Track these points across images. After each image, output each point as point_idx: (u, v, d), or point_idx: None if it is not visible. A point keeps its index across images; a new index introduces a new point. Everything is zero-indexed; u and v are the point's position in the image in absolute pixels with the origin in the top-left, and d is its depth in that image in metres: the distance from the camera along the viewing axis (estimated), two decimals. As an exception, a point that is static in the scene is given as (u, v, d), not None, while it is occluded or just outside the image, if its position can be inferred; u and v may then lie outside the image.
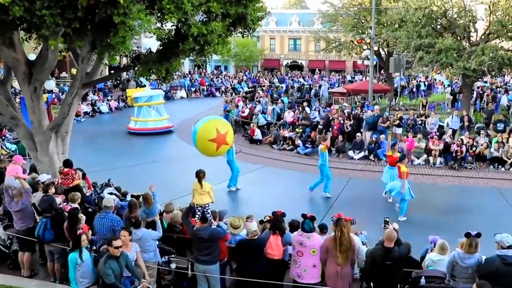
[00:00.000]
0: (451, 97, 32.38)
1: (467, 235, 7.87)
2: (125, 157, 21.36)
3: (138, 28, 12.73)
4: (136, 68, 11.53)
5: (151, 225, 9.62)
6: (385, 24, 30.30)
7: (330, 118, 23.62)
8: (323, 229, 9.33)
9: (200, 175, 9.90)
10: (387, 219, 9.16)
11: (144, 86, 34.88)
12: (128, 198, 11.60)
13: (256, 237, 8.70)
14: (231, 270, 9.71)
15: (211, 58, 12.28)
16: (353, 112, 24.42)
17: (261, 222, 10.46)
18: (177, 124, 28.96)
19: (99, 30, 9.30)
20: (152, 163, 20.72)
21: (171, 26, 10.78)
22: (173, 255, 9.63)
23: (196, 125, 13.58)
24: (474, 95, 31.22)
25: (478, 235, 7.84)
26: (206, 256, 8.65)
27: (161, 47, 11.15)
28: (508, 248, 7.48)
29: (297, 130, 23.86)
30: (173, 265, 9.35)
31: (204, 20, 10.57)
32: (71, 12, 8.46)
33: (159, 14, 9.90)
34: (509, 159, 20.00)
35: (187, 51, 10.41)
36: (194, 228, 9.05)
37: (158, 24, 10.84)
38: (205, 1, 9.98)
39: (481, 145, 20.59)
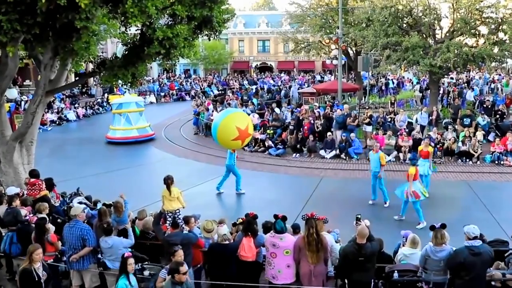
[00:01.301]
0: (420, 94, 32.86)
1: (432, 228, 8.03)
2: (95, 165, 20.99)
3: (104, 33, 12.59)
4: (101, 74, 11.33)
5: (123, 233, 9.45)
6: (353, 24, 30.56)
7: (301, 118, 23.68)
8: (295, 229, 9.33)
9: (168, 181, 9.83)
10: (359, 216, 9.20)
11: (112, 92, 34.45)
12: (99, 206, 11.40)
13: (227, 241, 8.63)
14: (206, 274, 9.63)
15: (178, 61, 12.14)
16: (321, 112, 24.53)
17: (234, 224, 10.42)
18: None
19: (61, 36, 9.09)
20: (123, 170, 20.46)
21: (136, 30, 10.65)
22: (146, 262, 9.49)
23: (215, 121, 13.67)
24: (441, 92, 31.74)
25: (443, 226, 7.99)
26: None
27: (126, 52, 11.00)
28: (474, 238, 7.63)
29: (268, 131, 23.85)
30: (146, 272, 9.21)
31: (169, 23, 10.48)
32: (30, 17, 8.24)
33: (122, 18, 9.76)
34: (476, 152, 20.39)
35: (153, 55, 10.29)
36: (166, 234, 8.95)
37: (123, 28, 10.70)
38: (169, 4, 9.89)
39: (449, 140, 20.93)
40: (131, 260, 7.65)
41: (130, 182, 18.21)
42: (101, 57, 12.00)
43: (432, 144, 17.85)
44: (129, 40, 10.84)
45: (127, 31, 10.66)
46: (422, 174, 15.48)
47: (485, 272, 7.80)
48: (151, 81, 48.16)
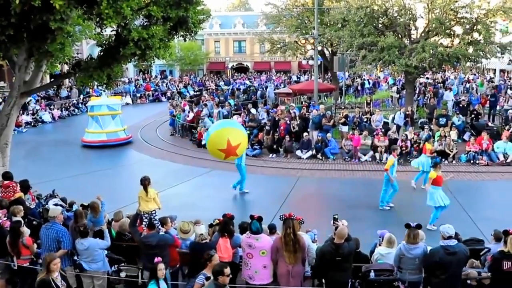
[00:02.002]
0: (398, 95, 33.22)
1: (407, 226, 8.15)
2: (70, 167, 20.73)
3: (79, 34, 12.47)
4: (76, 75, 11.21)
5: (99, 234, 9.39)
6: (328, 24, 30.68)
7: (277, 118, 23.78)
8: (271, 229, 9.39)
9: (145, 182, 9.79)
10: (336, 216, 9.28)
11: (88, 93, 33.95)
12: (75, 208, 11.29)
13: (204, 240, 8.66)
14: (182, 276, 9.63)
15: (154, 62, 12.11)
16: (297, 112, 24.66)
17: (210, 225, 10.42)
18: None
19: (36, 37, 9.00)
20: (98, 172, 20.25)
21: (111, 31, 10.57)
22: (122, 264, 9.45)
23: (210, 128, 13.62)
24: (418, 91, 32.22)
25: (418, 226, 8.14)
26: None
27: (101, 53, 10.91)
28: (449, 238, 7.77)
29: (244, 132, 23.83)
30: (123, 274, 9.16)
31: (144, 24, 10.43)
32: (4, 18, 8.14)
33: (98, 19, 9.67)
34: (452, 152, 20.74)
35: (128, 56, 10.22)
36: (142, 236, 8.92)
37: (98, 30, 10.61)
38: (145, 5, 9.85)
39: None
40: (161, 266, 7.52)
41: (106, 183, 18.07)
42: (76, 58, 11.82)
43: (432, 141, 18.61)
44: (104, 41, 10.75)
45: (102, 32, 10.56)
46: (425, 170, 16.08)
47: (460, 271, 7.91)
48: (127, 82, 47.77)
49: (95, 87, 32.13)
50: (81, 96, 40.33)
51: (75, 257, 9.06)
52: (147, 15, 10.16)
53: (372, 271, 8.26)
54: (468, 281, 8.22)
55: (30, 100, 32.92)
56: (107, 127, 25.81)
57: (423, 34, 25.48)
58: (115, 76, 11.13)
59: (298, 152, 22.06)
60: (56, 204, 11.84)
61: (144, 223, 9.64)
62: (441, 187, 13.39)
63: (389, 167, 14.87)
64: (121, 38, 10.08)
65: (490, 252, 8.78)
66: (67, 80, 40.20)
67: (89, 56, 11.34)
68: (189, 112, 27.55)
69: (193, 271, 8.83)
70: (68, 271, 8.80)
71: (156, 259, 7.60)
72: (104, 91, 22.95)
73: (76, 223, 9.40)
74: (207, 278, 7.19)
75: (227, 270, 6.95)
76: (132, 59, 11.02)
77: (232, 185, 17.07)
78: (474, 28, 23.95)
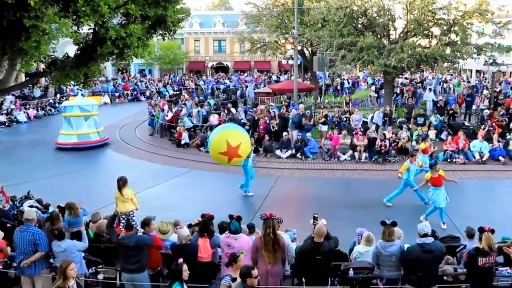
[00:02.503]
0: (376, 94, 33.46)
1: (383, 223, 8.25)
2: (46, 168, 20.43)
3: (55, 32, 12.25)
4: (52, 74, 10.97)
5: (76, 236, 9.25)
6: (308, 24, 30.75)
7: (256, 118, 23.75)
8: (250, 228, 9.39)
9: (119, 183, 9.71)
10: (316, 215, 9.30)
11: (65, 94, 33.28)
12: (51, 210, 11.11)
13: (188, 242, 8.61)
14: (162, 277, 9.54)
15: (132, 61, 11.94)
16: (277, 112, 24.67)
17: (189, 226, 10.36)
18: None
19: (9, 35, 8.77)
20: (76, 172, 20.03)
21: (88, 29, 10.38)
22: (100, 265, 9.34)
23: (210, 135, 13.58)
24: (398, 91, 32.48)
25: (394, 223, 8.22)
26: (133, 264, 8.43)
27: (78, 51, 10.70)
28: (425, 235, 7.86)
29: (224, 131, 23.72)
30: (100, 276, 9.09)
31: (122, 22, 10.27)
32: (-25, 16, 7.93)
33: (74, 17, 9.47)
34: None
35: (106, 55, 10.04)
36: (120, 237, 8.81)
37: (75, 28, 10.40)
38: (122, 3, 9.68)
39: (403, 138, 21.43)
40: (186, 267, 7.36)
41: (83, 185, 17.86)
42: (52, 56, 11.53)
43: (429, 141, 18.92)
44: (81, 40, 10.56)
45: (79, 30, 10.37)
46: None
47: (437, 268, 8.06)
48: (105, 81, 47.25)
49: (72, 86, 31.46)
50: (58, 96, 39.72)
51: (51, 260, 8.89)
52: (125, 14, 9.99)
53: (351, 269, 8.33)
54: (445, 277, 8.33)
55: (4, 99, 32.34)
56: (79, 129, 24.84)
57: (401, 35, 25.70)
58: (92, 75, 10.93)
59: (278, 152, 22.07)
60: (31, 206, 11.68)
61: (122, 224, 9.53)
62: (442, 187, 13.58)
63: (403, 171, 15.15)
64: (99, 36, 9.89)
65: (465, 249, 8.92)
66: (43, 79, 39.56)
67: (66, 55, 11.10)
68: (168, 111, 27.35)
69: (172, 272, 8.75)
70: (44, 274, 8.66)
71: (179, 260, 7.44)
72: (81, 90, 22.15)
73: (53, 225, 9.25)
74: (233, 280, 7.13)
75: (255, 272, 6.94)
76: (110, 58, 10.84)
77: (239, 185, 17.01)
78: (451, 29, 24.26)
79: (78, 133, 24.72)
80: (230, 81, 49.18)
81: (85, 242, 9.07)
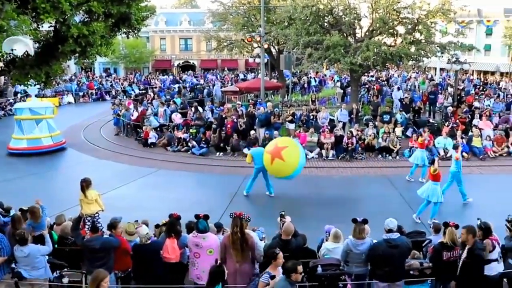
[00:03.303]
0: (341, 91, 33.74)
1: (354, 220, 8.32)
2: (7, 170, 19.80)
3: (14, 29, 11.91)
4: (11, 73, 10.66)
5: (39, 240, 9.00)
6: (275, 22, 30.72)
7: (224, 116, 23.65)
8: (218, 227, 9.34)
9: (83, 184, 9.53)
10: (283, 213, 9.30)
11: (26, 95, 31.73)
12: (13, 213, 10.78)
13: (149, 241, 8.47)
14: (132, 279, 9.39)
15: (95, 60, 11.72)
16: (244, 110, 24.62)
17: (157, 226, 10.26)
18: (64, 131, 27.49)
19: (-36, 32, 8.50)
20: (38, 174, 19.54)
21: (49, 27, 10.13)
22: (65, 269, 9.10)
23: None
24: (366, 89, 32.85)
25: (364, 221, 8.31)
26: (99, 267, 8.22)
27: (39, 50, 10.43)
28: (390, 231, 7.98)
29: (191, 130, 23.61)
30: (65, 280, 8.84)
31: (85, 20, 10.07)
32: None
33: (34, 14, 9.21)
34: (395, 147, 21.27)
35: (68, 53, 9.85)
36: (85, 239, 8.63)
37: (35, 25, 10.13)
38: (85, 0, 9.49)
39: (370, 136, 21.66)
40: (224, 267, 7.21)
41: (47, 187, 17.48)
42: (11, 54, 11.16)
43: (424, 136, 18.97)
44: (42, 38, 10.29)
45: (39, 27, 10.09)
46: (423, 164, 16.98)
47: (403, 263, 8.16)
48: (69, 80, 46.24)
49: (33, 86, 30.07)
50: (19, 96, 38.69)
51: (13, 265, 8.63)
52: (87, 11, 9.82)
53: (319, 266, 8.36)
54: (411, 272, 8.43)
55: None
56: (29, 133, 23.08)
57: (367, 33, 25.96)
58: (54, 74, 10.70)
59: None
60: (-9, 209, 11.30)
61: (87, 226, 9.34)
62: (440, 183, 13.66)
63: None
64: (60, 34, 9.68)
65: (431, 244, 9.06)
66: (1, 78, 38.47)
67: (26, 53, 10.80)
68: (133, 111, 26.98)
69: (136, 274, 8.64)
70: (5, 280, 8.41)
71: (218, 261, 7.32)
72: (39, 88, 20.68)
73: (15, 228, 8.98)
74: (272, 277, 7.05)
75: (300, 268, 6.87)
76: (72, 57, 10.62)
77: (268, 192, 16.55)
78: (416, 28, 24.63)
79: (28, 137, 23.00)
80: (197, 80, 48.84)
81: (49, 246, 8.83)
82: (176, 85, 42.87)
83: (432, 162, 14.11)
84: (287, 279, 6.82)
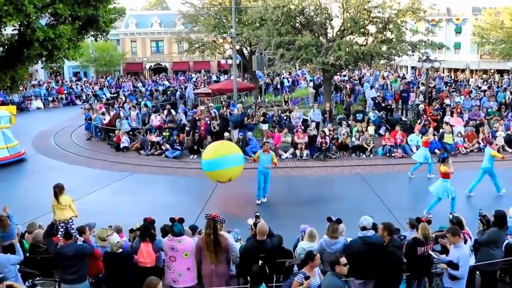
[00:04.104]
0: (314, 91, 33.87)
1: (329, 219, 8.43)
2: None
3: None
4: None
5: (10, 249, 8.78)
6: (246, 23, 30.70)
7: (197, 119, 23.50)
8: (193, 230, 9.28)
9: (56, 190, 9.34)
10: (257, 214, 9.26)
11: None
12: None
13: (121, 250, 8.35)
14: (103, 285, 9.23)
15: (63, 63, 11.47)
16: (216, 112, 24.51)
17: (131, 231, 10.14)
18: (34, 137, 27.07)
19: None
20: (7, 182, 19.06)
21: (13, 30, 9.84)
22: (37, 278, 8.91)
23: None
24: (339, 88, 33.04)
25: (339, 221, 8.42)
26: (72, 274, 8.17)
27: (3, 54, 10.13)
28: (364, 229, 8.07)
29: (164, 133, 23.39)
30: (38, 288, 8.66)
31: (51, 23, 9.82)
32: None
33: (-4, 17, 8.94)
34: (369, 146, 21.44)
35: (34, 57, 9.58)
36: (58, 246, 8.47)
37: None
38: (50, 2, 9.25)
39: (343, 135, 21.78)
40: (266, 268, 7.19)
41: (16, 194, 17.11)
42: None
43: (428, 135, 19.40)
44: (6, 41, 10.00)
45: (2, 31, 9.80)
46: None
47: (378, 259, 8.16)
48: (38, 85, 45.36)
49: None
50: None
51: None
52: (53, 13, 9.56)
53: (296, 265, 8.41)
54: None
55: None
56: (9, 141, 22.11)
57: (338, 33, 26.14)
58: (20, 79, 10.39)
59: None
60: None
61: (60, 232, 9.16)
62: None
63: (496, 155, 15.46)
64: (25, 38, 9.41)
65: (405, 239, 9.13)
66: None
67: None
68: (104, 114, 26.59)
69: (108, 281, 8.50)
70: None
71: (261, 261, 7.32)
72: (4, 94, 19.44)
73: (-17, 239, 8.76)
74: (306, 278, 7.13)
75: (343, 260, 7.02)
76: (39, 61, 10.34)
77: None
78: (386, 27, 24.92)
79: (15, 144, 22.30)
80: (169, 82, 48.44)
81: (19, 255, 8.65)
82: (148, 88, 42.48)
83: (443, 161, 14.18)
84: (333, 272, 6.99)
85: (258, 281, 7.01)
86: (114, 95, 40.80)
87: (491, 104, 26.59)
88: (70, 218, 9.85)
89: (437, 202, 13.92)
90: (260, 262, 7.31)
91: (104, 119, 26.19)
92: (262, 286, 7.04)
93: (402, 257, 8.21)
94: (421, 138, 19.33)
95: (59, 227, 9.65)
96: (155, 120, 25.01)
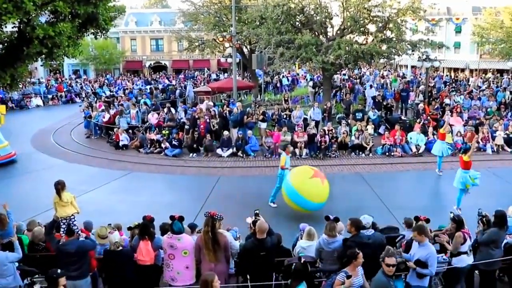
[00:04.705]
0: (313, 90, 33.85)
1: (327, 218, 8.43)
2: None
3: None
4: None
5: (8, 247, 8.76)
6: (246, 22, 30.64)
7: (196, 117, 23.48)
8: (192, 228, 9.27)
9: (58, 187, 9.34)
10: (257, 211, 9.26)
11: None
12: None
13: (120, 248, 8.34)
14: (103, 282, 9.23)
15: (63, 61, 11.46)
16: (216, 111, 24.50)
17: (129, 228, 10.09)
18: (33, 135, 27.03)
19: None
20: (6, 180, 19.04)
21: (12, 27, 9.82)
22: (36, 276, 8.89)
23: (286, 182, 13.99)
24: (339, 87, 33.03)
25: (336, 219, 8.41)
26: (75, 271, 8.17)
27: (2, 51, 10.11)
28: (363, 228, 8.11)
29: (163, 132, 23.37)
30: (37, 286, 8.66)
31: (50, 21, 9.79)
32: None
33: (-5, 15, 8.90)
34: (368, 145, 21.44)
35: (34, 55, 9.56)
36: (60, 243, 8.47)
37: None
38: (50, 0, 9.23)
39: (343, 134, 21.77)
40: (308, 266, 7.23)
41: (15, 192, 17.04)
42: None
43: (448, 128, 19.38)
44: (5, 39, 9.97)
45: (2, 28, 9.76)
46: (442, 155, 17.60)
47: (378, 258, 8.15)
48: (38, 83, 45.30)
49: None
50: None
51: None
52: (53, 11, 9.54)
53: (295, 264, 8.30)
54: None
55: None
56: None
57: (338, 32, 26.13)
58: (19, 77, 10.38)
59: (219, 151, 21.89)
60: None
61: (62, 229, 9.17)
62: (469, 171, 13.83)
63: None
64: (25, 35, 9.38)
65: (404, 239, 9.15)
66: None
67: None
68: (104, 112, 26.56)
69: (108, 279, 8.50)
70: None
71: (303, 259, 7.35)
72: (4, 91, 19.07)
73: (-19, 237, 8.74)
74: (348, 276, 7.17)
75: (390, 260, 7.07)
76: (39, 58, 10.32)
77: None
78: (386, 26, 24.91)
79: (4, 145, 21.47)
80: (169, 81, 48.30)
81: (18, 253, 8.61)
82: (148, 86, 42.36)
83: (465, 151, 14.16)
84: (383, 273, 7.06)
85: (299, 279, 6.97)
86: (113, 93, 40.72)
87: (490, 103, 26.60)
88: (72, 215, 9.89)
89: (463, 194, 13.91)
90: (302, 259, 7.44)
91: (104, 117, 26.16)
92: (302, 285, 6.99)
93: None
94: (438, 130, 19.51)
95: (61, 223, 9.67)
96: (153, 118, 25.00)
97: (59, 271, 6.99)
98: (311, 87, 34.55)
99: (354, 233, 8.13)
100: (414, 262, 7.77)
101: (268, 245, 8.01)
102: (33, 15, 8.88)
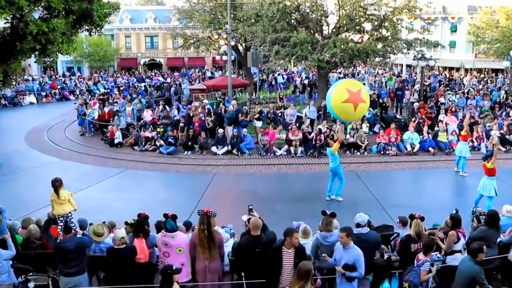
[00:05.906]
0: (309, 88, 33.85)
1: (324, 213, 8.39)
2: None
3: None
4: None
5: (1, 244, 8.71)
6: (241, 19, 30.57)
7: (191, 115, 23.42)
8: (187, 226, 9.24)
9: (55, 184, 9.31)
10: (251, 207, 9.23)
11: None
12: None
13: (124, 245, 8.30)
14: (98, 280, 9.18)
15: (57, 58, 11.36)
16: (211, 108, 24.45)
17: (127, 223, 10.03)
18: (27, 132, 26.89)
19: None
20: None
21: (5, 23, 9.72)
22: (31, 273, 8.84)
23: (328, 93, 13.63)
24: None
25: (333, 214, 8.39)
26: (73, 268, 8.18)
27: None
28: (358, 226, 8.13)
29: (158, 129, 23.30)
30: (31, 284, 8.62)
31: (44, 16, 9.70)
32: None
33: (-13, 10, 8.80)
34: (363, 143, 21.43)
35: (27, 51, 9.47)
36: (58, 241, 8.44)
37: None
38: (43, -4, 9.17)
39: (337, 132, 21.70)
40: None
41: (10, 189, 16.93)
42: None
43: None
44: (-2, 35, 9.91)
45: (-6, 24, 9.70)
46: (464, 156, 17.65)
47: (373, 256, 8.21)
48: (31, 79, 45.00)
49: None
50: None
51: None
52: (46, 7, 9.45)
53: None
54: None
55: None
56: None
57: (334, 30, 26.12)
58: (12, 73, 10.30)
59: (214, 148, 21.84)
60: None
61: (59, 227, 9.13)
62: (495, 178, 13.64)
63: None
64: (18, 31, 9.29)
65: (398, 237, 9.16)
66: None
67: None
68: (98, 110, 26.43)
69: (111, 276, 8.45)
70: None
71: (386, 257, 7.55)
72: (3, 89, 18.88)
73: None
74: (432, 264, 7.65)
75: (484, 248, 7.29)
76: (32, 54, 10.24)
77: (327, 194, 15.61)
78: (382, 25, 24.93)
79: None
80: (164, 78, 48.22)
81: (11, 250, 8.59)
82: (142, 84, 42.26)
83: (487, 158, 14.06)
84: (472, 259, 7.23)
85: (382, 275, 6.98)
86: (108, 90, 40.57)
87: (485, 103, 26.65)
88: (69, 212, 9.84)
89: (480, 199, 13.77)
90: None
91: (97, 113, 26.04)
92: (385, 283, 6.96)
93: None
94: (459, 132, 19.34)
95: (58, 221, 9.63)
96: (147, 115, 24.91)
97: (174, 267, 7.02)
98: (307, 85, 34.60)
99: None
100: (343, 267, 7.53)
101: (263, 242, 7.98)
102: (26, 11, 8.80)
